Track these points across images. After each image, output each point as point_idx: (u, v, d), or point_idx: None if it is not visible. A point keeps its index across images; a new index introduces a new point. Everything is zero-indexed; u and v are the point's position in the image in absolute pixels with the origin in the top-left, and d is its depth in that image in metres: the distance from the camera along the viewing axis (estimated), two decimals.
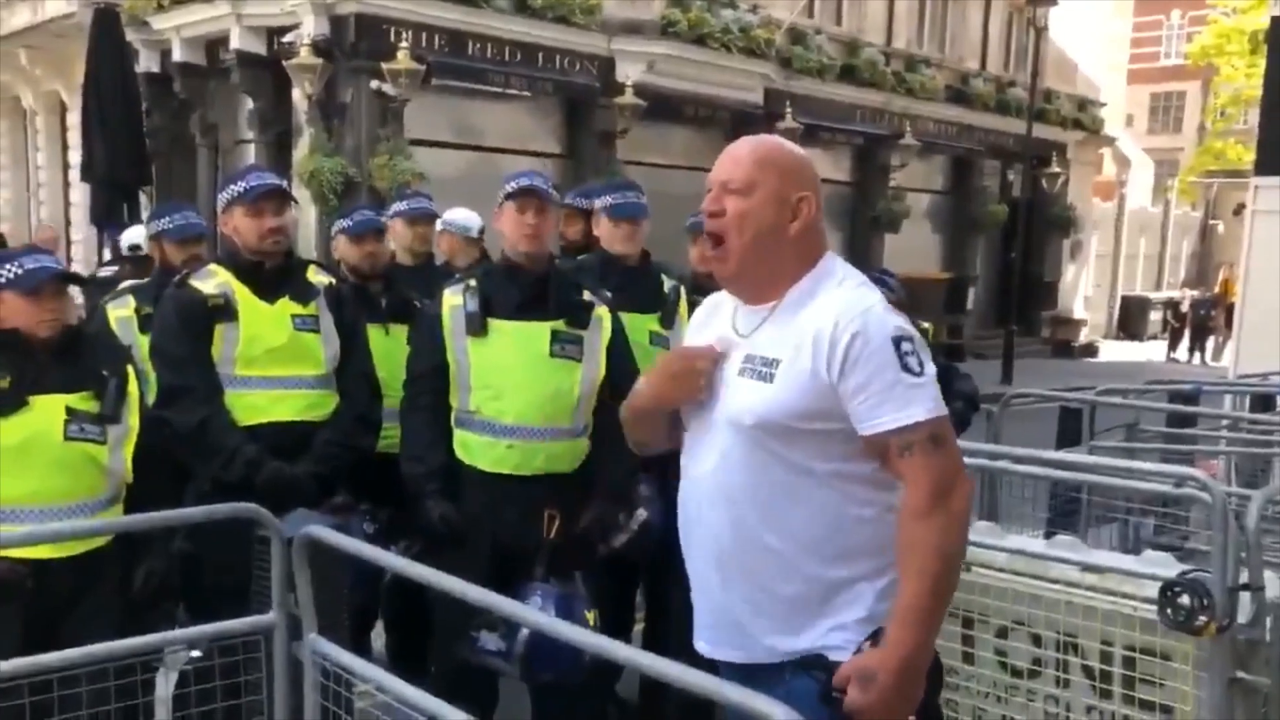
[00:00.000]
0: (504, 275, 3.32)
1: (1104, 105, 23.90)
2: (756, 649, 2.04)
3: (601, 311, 3.38)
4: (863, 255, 18.08)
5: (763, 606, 2.02)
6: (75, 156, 11.77)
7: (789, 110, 15.63)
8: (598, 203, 3.88)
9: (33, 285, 2.73)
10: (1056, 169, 19.80)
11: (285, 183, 3.42)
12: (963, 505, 1.92)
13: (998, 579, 3.31)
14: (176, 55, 14.10)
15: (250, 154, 13.99)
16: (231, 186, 3.26)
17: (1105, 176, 26.53)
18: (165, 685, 3.04)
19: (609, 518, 3.34)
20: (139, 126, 10.23)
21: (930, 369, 1.93)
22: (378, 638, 4.29)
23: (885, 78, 17.60)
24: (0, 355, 2.73)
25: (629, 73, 13.75)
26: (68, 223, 16.60)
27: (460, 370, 3.24)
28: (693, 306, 3.97)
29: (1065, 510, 5.06)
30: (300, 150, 12.55)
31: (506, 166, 12.69)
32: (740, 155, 2.06)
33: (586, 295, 3.37)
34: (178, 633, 2.62)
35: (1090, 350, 22.55)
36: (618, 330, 3.43)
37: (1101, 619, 3.10)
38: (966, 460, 3.91)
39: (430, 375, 3.27)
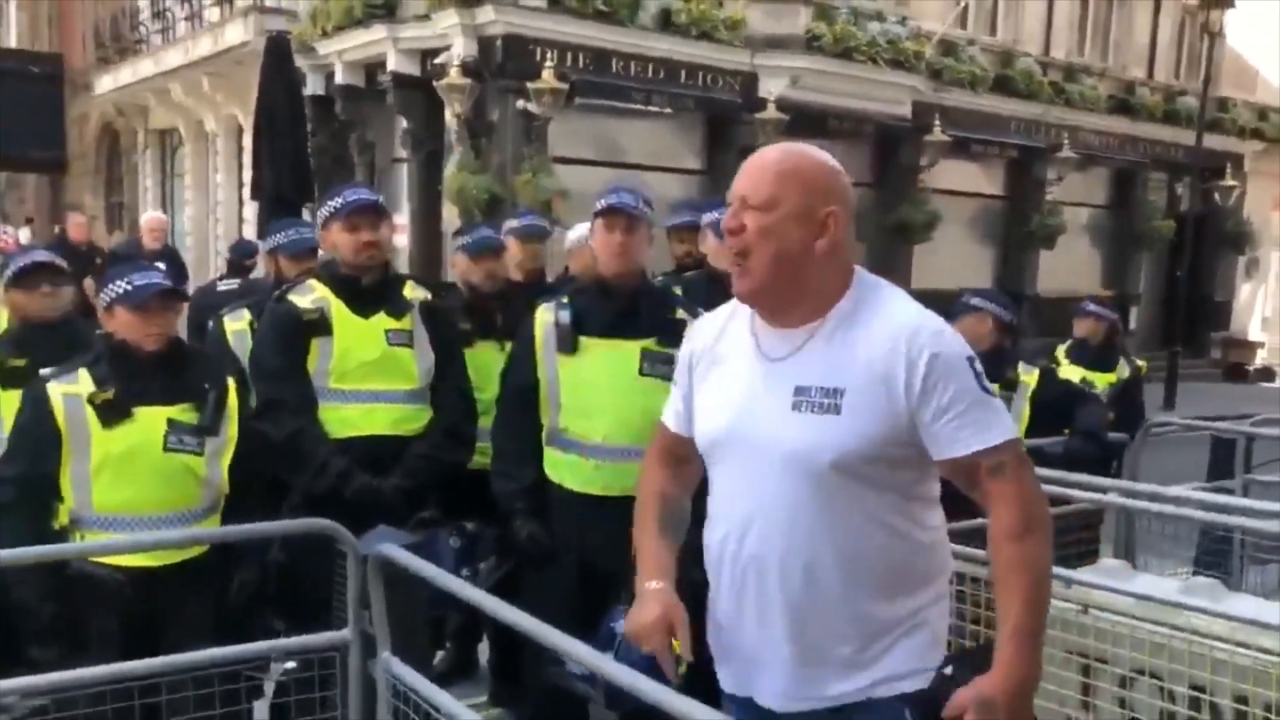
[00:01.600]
0: (596, 292, 3.29)
1: None
2: (822, 695, 1.94)
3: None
4: (1015, 272, 17.46)
5: (831, 652, 1.92)
6: (249, 176, 12.43)
7: (937, 123, 15.20)
8: (705, 219, 3.82)
9: (140, 301, 2.83)
10: (1231, 181, 18.60)
11: (380, 197, 3.47)
12: (1049, 521, 1.88)
13: (1120, 623, 3.08)
14: (338, 78, 14.77)
15: (404, 172, 14.51)
16: (330, 202, 3.33)
17: None
18: (268, 693, 3.14)
19: (699, 541, 3.25)
20: (304, 146, 10.69)
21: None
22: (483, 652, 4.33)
23: (1042, 88, 16.92)
24: (109, 366, 2.85)
25: (772, 88, 13.64)
26: (240, 238, 17.53)
27: (550, 387, 3.22)
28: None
29: (1216, 549, 4.70)
30: (449, 168, 12.93)
31: (649, 183, 12.76)
32: (761, 167, 1.93)
33: (679, 313, 3.31)
34: (257, 645, 2.66)
35: (1268, 374, 21.06)
36: None
37: (1233, 674, 2.84)
38: (1095, 495, 3.74)
39: (522, 391, 3.26)
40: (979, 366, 1.86)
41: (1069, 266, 17.56)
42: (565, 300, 3.28)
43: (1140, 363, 6.11)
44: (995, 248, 17.83)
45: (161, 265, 4.25)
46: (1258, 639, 2.83)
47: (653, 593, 2.05)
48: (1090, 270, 19.11)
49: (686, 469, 2.19)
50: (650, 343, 3.23)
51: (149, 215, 10.25)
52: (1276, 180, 22.97)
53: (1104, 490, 3.85)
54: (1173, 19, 19.72)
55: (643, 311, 3.25)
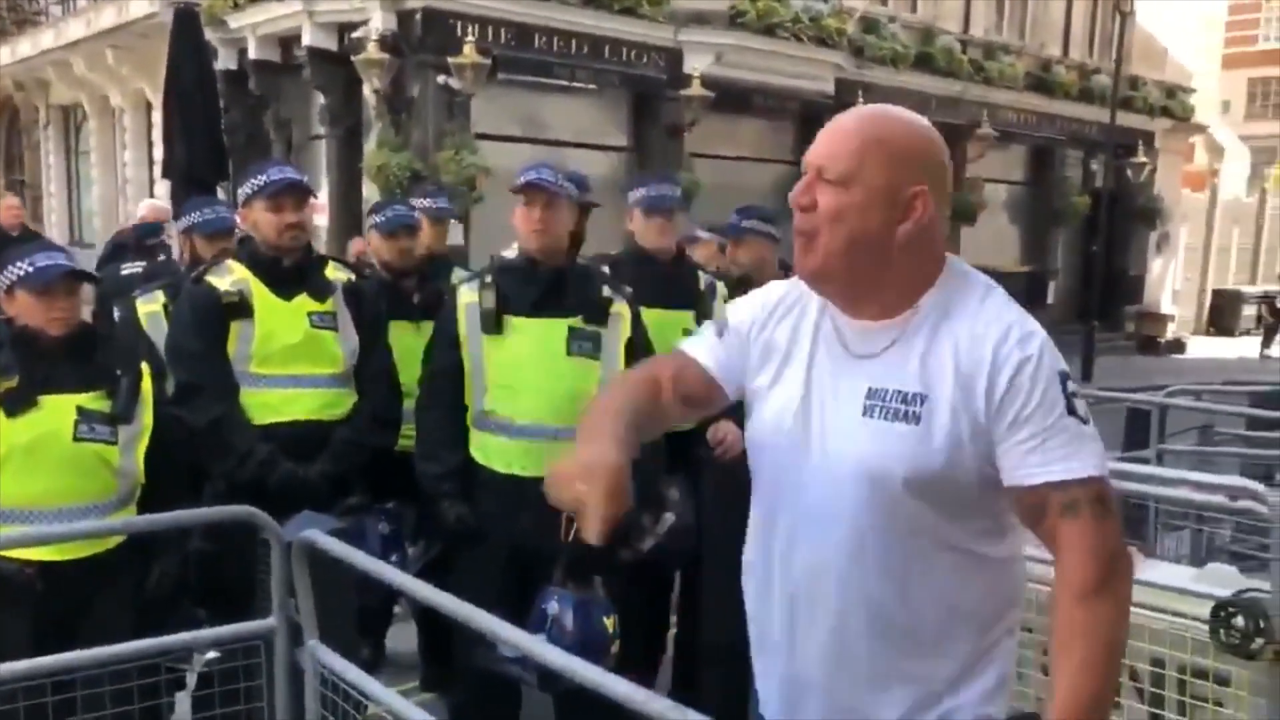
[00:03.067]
0: (520, 271, 3.25)
1: (1194, 92, 23.05)
2: None
3: (620, 308, 3.29)
4: None
5: (885, 689, 1.68)
6: (160, 153, 12.08)
7: (861, 100, 15.31)
8: (631, 196, 3.79)
9: (43, 283, 2.71)
10: (1143, 159, 19.14)
11: (305, 177, 3.38)
12: (1130, 583, 1.57)
13: (1042, 591, 3.14)
14: (252, 53, 14.38)
15: (322, 149, 14.21)
16: (252, 180, 3.22)
17: (1196, 166, 25.58)
18: (190, 684, 3.06)
19: (630, 521, 3.24)
20: (217, 123, 10.38)
21: (1089, 416, 1.60)
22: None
23: (962, 66, 17.18)
24: (12, 353, 2.73)
25: (696, 64, 13.62)
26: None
27: (475, 368, 3.17)
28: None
29: (1132, 517, 4.84)
30: (369, 145, 12.70)
31: (573, 160, 12.67)
32: (843, 135, 1.64)
33: (605, 291, 3.28)
34: (179, 636, 2.58)
35: (1178, 346, 21.78)
36: (638, 327, 3.33)
37: (1150, 637, 2.91)
38: None
39: (445, 374, 3.21)
40: (1074, 387, 1.58)
41: (989, 242, 17.86)
42: (488, 280, 3.22)
43: None
44: None
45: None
46: (1173, 604, 2.91)
47: (588, 443, 1.72)
48: (1010, 245, 19.53)
49: (682, 408, 1.89)
50: (576, 321, 3.19)
51: (3, 200, 9.87)
52: (1184, 157, 23.74)
53: None
54: None
55: (569, 290, 3.21)
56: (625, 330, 3.28)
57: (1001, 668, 1.70)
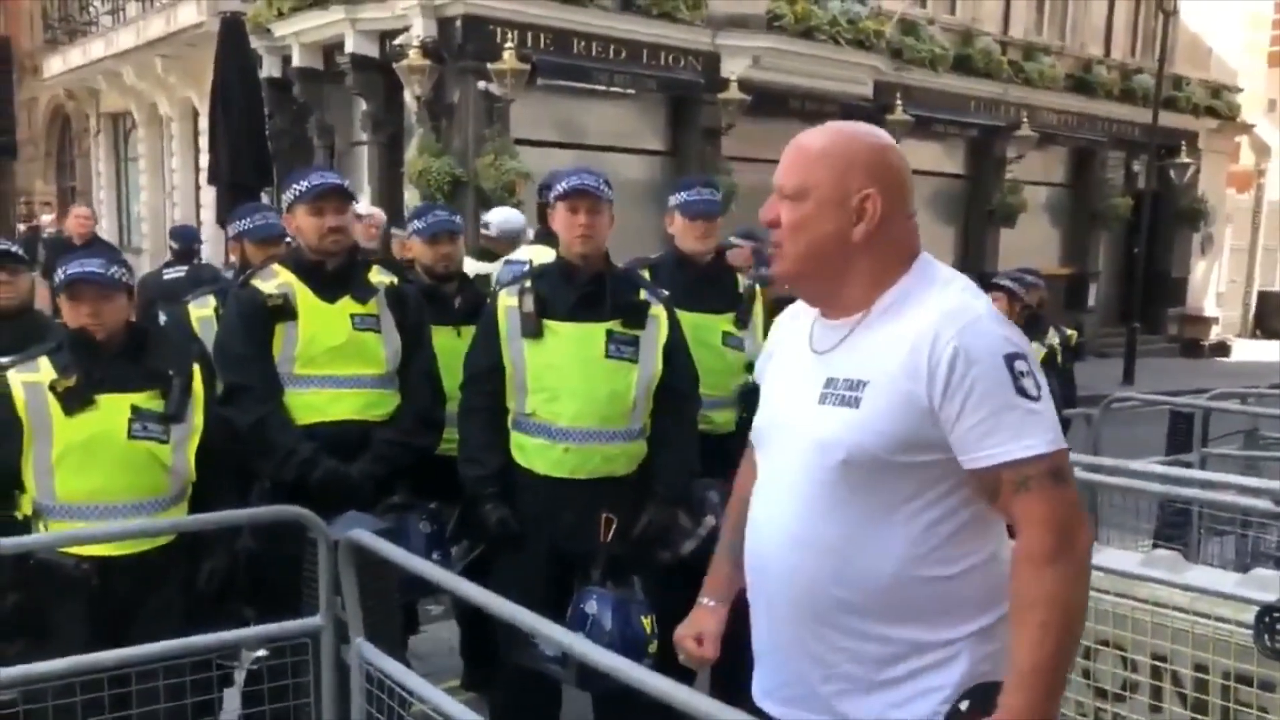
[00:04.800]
0: (559, 275, 3.29)
1: (1240, 91, 22.66)
2: (827, 713, 1.81)
3: (658, 311, 3.32)
4: (977, 250, 17.60)
5: (835, 668, 1.78)
6: (206, 160, 12.27)
7: (899, 102, 15.27)
8: (671, 200, 3.82)
9: (68, 287, 2.80)
10: (1186, 159, 18.82)
11: (346, 182, 3.43)
12: (1086, 549, 1.64)
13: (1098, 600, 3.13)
14: (296, 60, 14.56)
15: (364, 155, 14.36)
16: (294, 186, 3.28)
17: (1242, 166, 25.15)
18: (239, 681, 3.12)
19: (666, 521, 3.28)
20: (262, 130, 10.59)
21: (1046, 392, 1.66)
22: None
23: (1001, 67, 17.03)
24: (70, 354, 2.81)
25: (734, 68, 13.61)
26: (199, 224, 17.31)
27: (516, 372, 3.22)
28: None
29: (1175, 521, 4.79)
30: (410, 151, 12.81)
31: (611, 165, 12.73)
32: (795, 152, 1.80)
33: (643, 294, 3.31)
34: (230, 633, 2.64)
35: (1222, 349, 21.43)
36: (675, 330, 3.36)
37: (1194, 643, 2.90)
38: None
39: (486, 377, 3.25)
40: (1022, 366, 1.64)
41: (1029, 244, 17.69)
42: (528, 284, 3.26)
43: (1071, 331, 6.15)
44: (957, 226, 17.95)
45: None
46: (1216, 609, 2.89)
47: (699, 609, 2.11)
48: (1050, 248, 19.31)
49: None
50: (615, 324, 3.24)
51: (74, 208, 10.07)
52: (1230, 157, 23.35)
53: None
54: None
55: (607, 294, 3.25)
56: (662, 333, 3.32)
57: (969, 667, 1.73)
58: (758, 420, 1.95)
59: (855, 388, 1.72)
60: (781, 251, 1.81)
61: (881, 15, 14.94)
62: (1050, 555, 1.60)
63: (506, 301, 3.25)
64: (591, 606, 3.05)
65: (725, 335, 3.71)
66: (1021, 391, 1.62)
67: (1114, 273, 20.11)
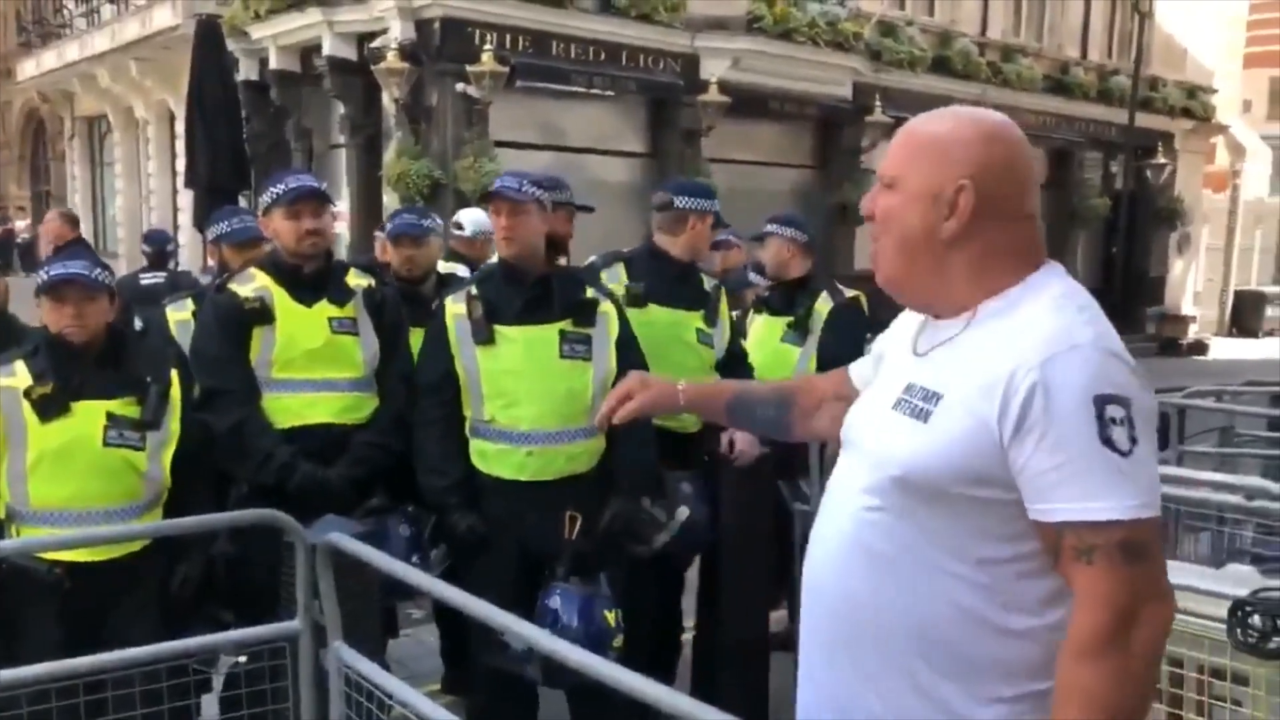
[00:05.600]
0: (503, 279, 3.29)
1: (1215, 92, 22.89)
2: None
3: (607, 308, 3.34)
4: None
5: (848, 688, 1.63)
6: (182, 164, 12.22)
7: (878, 104, 15.34)
8: (654, 199, 3.84)
9: (50, 288, 2.78)
10: (1163, 159, 19.05)
11: (323, 185, 3.42)
12: (1151, 644, 1.39)
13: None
14: (273, 63, 14.54)
15: (342, 158, 14.33)
16: (271, 189, 3.26)
17: (1217, 166, 25.39)
18: (216, 687, 3.10)
19: (630, 514, 3.29)
20: (239, 133, 10.55)
21: (1145, 450, 1.40)
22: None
23: (980, 69, 17.17)
24: (47, 359, 2.79)
25: (713, 70, 13.66)
26: (176, 228, 17.23)
27: (471, 380, 3.21)
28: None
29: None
30: (389, 153, 12.79)
31: (591, 167, 12.76)
32: (898, 138, 1.64)
33: (590, 292, 3.33)
34: (207, 638, 2.62)
35: (1199, 348, 21.61)
36: (625, 325, 3.38)
37: (1169, 639, 2.91)
38: None
39: (440, 387, 3.23)
40: (1116, 412, 1.39)
41: None
42: (473, 290, 3.25)
43: None
44: None
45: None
46: (1191, 604, 2.91)
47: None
48: None
49: (828, 406, 1.97)
50: (566, 324, 3.25)
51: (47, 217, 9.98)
52: (1206, 158, 23.57)
53: None
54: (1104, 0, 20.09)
55: (554, 294, 3.26)
56: (613, 329, 3.34)
57: None
58: (845, 419, 1.76)
59: (930, 399, 1.53)
60: (876, 249, 1.65)
61: (860, 17, 15.02)
62: (1097, 647, 1.38)
63: (454, 309, 3.24)
64: (555, 602, 3.07)
65: (699, 332, 3.73)
66: (1107, 442, 1.38)
67: (1092, 272, 20.25)
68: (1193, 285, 23.84)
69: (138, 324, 4.52)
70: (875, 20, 15.24)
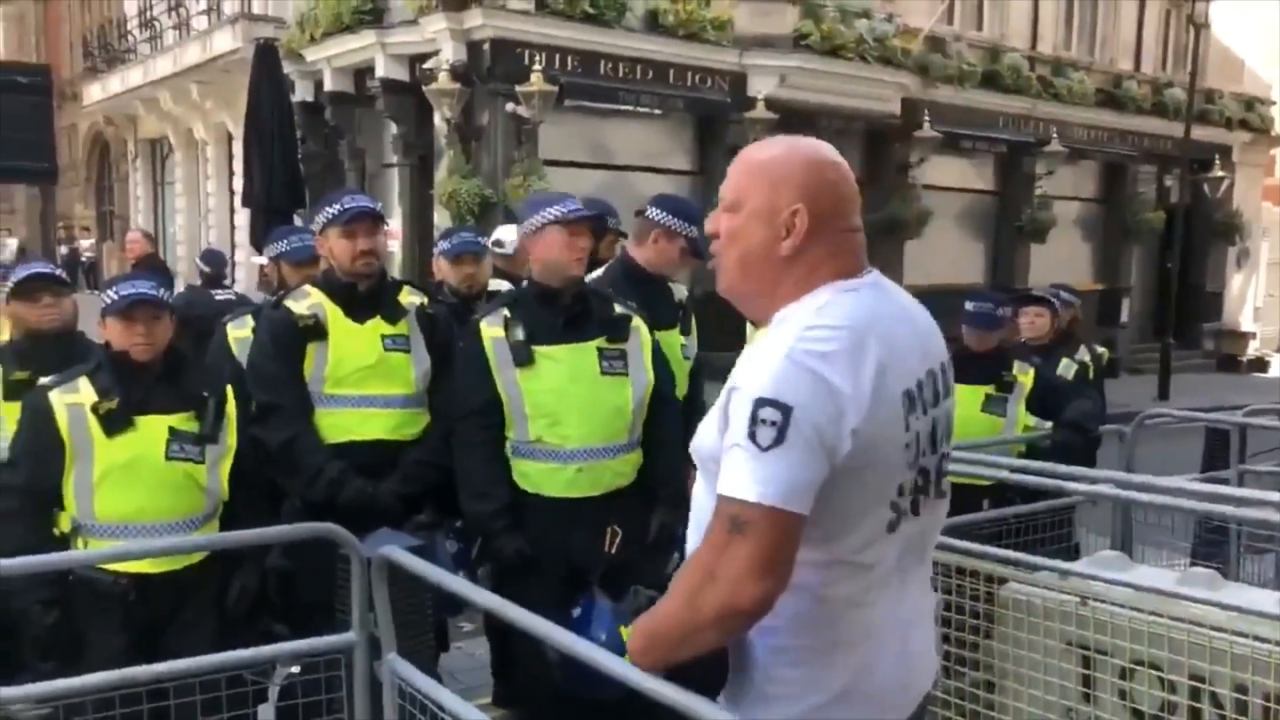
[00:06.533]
0: (538, 300, 3.31)
1: (1275, 104, 22.44)
2: None
3: (637, 322, 3.40)
4: (1006, 267, 17.51)
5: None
6: (240, 183, 12.46)
7: (927, 119, 15.25)
8: (662, 218, 3.86)
9: (123, 309, 2.86)
10: (1220, 173, 18.68)
11: (378, 205, 3.48)
12: (711, 604, 1.60)
13: (1119, 615, 3.10)
14: (328, 85, 14.78)
15: (394, 177, 14.52)
16: (327, 209, 3.32)
17: (1278, 179, 24.88)
18: (272, 698, 3.15)
19: (676, 524, 3.31)
20: (294, 153, 10.74)
21: (790, 452, 1.57)
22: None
23: (1030, 83, 16.96)
24: (111, 376, 2.86)
25: (761, 87, 13.65)
26: (233, 246, 17.55)
27: (513, 402, 3.23)
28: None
29: (1212, 539, 4.73)
30: (440, 173, 12.94)
31: (638, 185, 12.80)
32: (736, 165, 1.82)
33: (618, 308, 3.38)
34: (264, 649, 2.67)
35: (1260, 365, 21.16)
36: (652, 338, 3.45)
37: (1233, 663, 2.86)
38: (1090, 487, 3.75)
39: (482, 411, 3.24)
40: (768, 414, 1.58)
41: (1060, 260, 17.60)
42: (508, 314, 3.27)
43: (1101, 350, 6.09)
44: (986, 243, 17.88)
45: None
46: (1256, 628, 2.85)
47: None
48: (1081, 263, 19.17)
49: None
50: (601, 341, 3.29)
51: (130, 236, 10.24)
52: (1264, 170, 23.10)
53: (1095, 481, 3.88)
54: (1159, 11, 19.79)
55: (591, 312, 3.31)
56: (646, 343, 3.40)
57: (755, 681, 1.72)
58: None
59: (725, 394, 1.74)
60: (719, 264, 1.83)
61: (908, 33, 14.94)
62: (680, 577, 1.68)
63: (491, 333, 3.25)
64: (578, 612, 3.10)
65: (682, 348, 3.77)
66: (751, 436, 1.58)
67: (1147, 288, 19.94)
68: (1253, 301, 23.35)
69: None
70: (924, 35, 15.16)
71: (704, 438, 1.74)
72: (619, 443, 3.27)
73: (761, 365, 1.62)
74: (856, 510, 1.68)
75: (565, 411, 3.20)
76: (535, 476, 3.24)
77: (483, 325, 3.29)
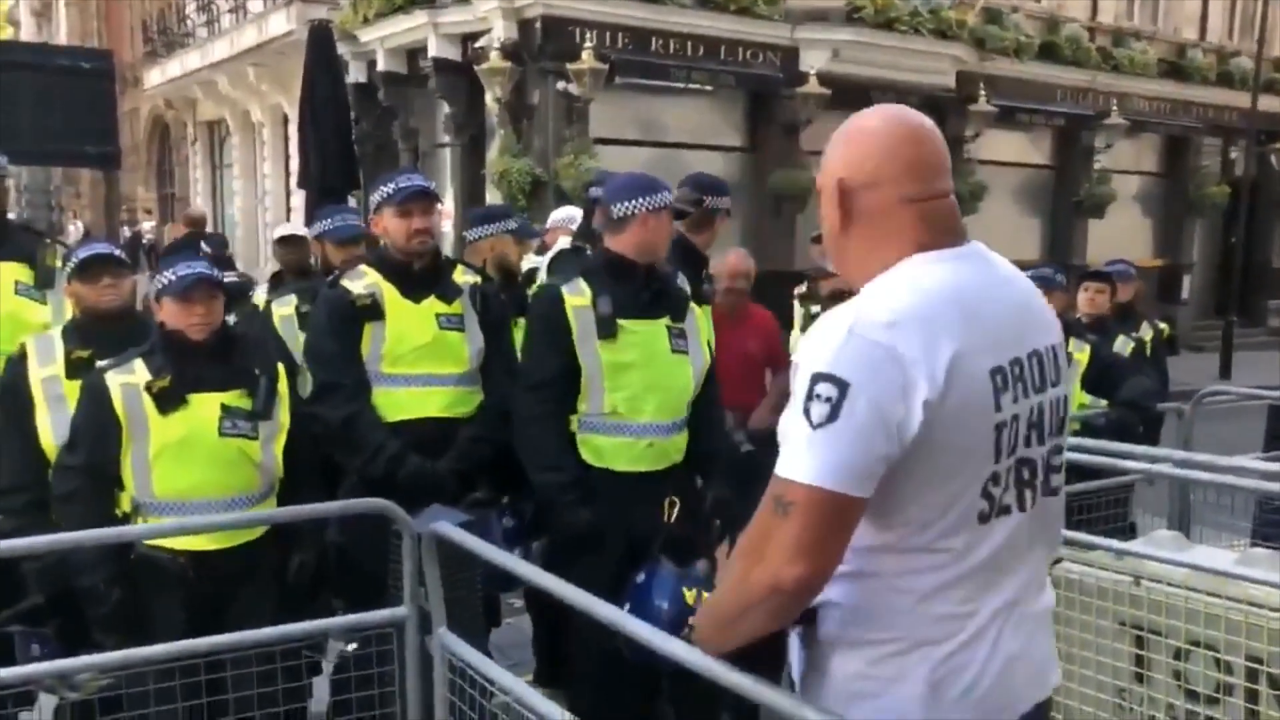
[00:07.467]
0: (615, 273, 3.30)
1: None
2: None
3: (693, 303, 3.45)
4: (1064, 242, 17.19)
5: None
6: (295, 165, 12.58)
7: (983, 93, 14.99)
8: (647, 200, 3.87)
9: (182, 289, 2.90)
10: None
11: (433, 184, 3.50)
12: (749, 584, 1.57)
13: (1175, 595, 3.06)
14: (381, 65, 14.89)
15: (447, 157, 14.62)
16: (382, 188, 3.35)
17: None
18: (327, 671, 3.22)
19: (729, 501, 3.36)
20: (348, 134, 10.78)
21: (843, 427, 1.50)
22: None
23: (1089, 54, 16.59)
24: (163, 356, 2.92)
25: (813, 62, 13.52)
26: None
27: (591, 374, 3.24)
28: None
29: (1274, 520, 4.63)
30: (492, 152, 12.99)
31: (689, 162, 12.73)
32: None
33: (682, 287, 3.44)
34: (316, 623, 2.72)
35: None
36: (705, 319, 3.51)
37: (1247, 633, 2.82)
38: (1148, 466, 3.69)
39: (557, 381, 3.25)
40: (824, 390, 1.52)
41: (1119, 236, 17.21)
42: (594, 285, 3.28)
43: (1163, 325, 5.97)
44: (1043, 218, 17.56)
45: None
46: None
47: None
48: (1142, 239, 18.74)
49: None
50: (669, 320, 3.34)
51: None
52: None
53: (1153, 459, 3.82)
54: None
55: (664, 291, 3.35)
56: (704, 325, 3.46)
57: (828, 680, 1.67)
58: None
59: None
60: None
61: (964, 4, 14.68)
62: (734, 559, 1.63)
63: (575, 301, 3.25)
64: (640, 577, 3.14)
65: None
66: (805, 413, 1.53)
67: (1210, 264, 19.47)
68: None
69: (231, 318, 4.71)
70: (979, 7, 14.88)
71: (785, 421, 1.66)
72: (680, 419, 3.34)
73: (823, 340, 1.56)
74: (936, 494, 1.59)
75: (641, 386, 3.25)
76: (607, 451, 3.28)
77: (565, 293, 3.27)
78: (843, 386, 1.51)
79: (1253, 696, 2.91)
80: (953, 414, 1.54)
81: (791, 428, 1.55)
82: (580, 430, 3.29)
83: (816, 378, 1.53)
